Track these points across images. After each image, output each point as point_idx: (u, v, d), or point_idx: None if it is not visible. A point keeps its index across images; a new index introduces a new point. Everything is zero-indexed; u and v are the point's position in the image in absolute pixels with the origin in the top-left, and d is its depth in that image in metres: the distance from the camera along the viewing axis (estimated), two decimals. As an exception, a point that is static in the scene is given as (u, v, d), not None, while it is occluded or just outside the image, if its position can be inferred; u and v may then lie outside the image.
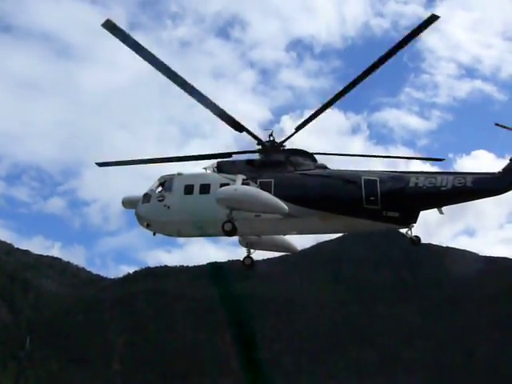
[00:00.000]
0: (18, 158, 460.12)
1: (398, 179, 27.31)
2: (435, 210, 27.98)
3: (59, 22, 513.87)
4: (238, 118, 27.90)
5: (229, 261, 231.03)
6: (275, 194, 26.68)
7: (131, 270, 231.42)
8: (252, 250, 30.89)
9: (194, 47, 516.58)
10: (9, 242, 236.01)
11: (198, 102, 27.04)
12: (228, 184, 27.35)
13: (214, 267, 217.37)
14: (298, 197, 27.08)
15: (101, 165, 31.69)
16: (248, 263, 30.84)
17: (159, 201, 28.45)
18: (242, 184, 27.37)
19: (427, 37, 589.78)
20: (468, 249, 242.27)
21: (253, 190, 26.86)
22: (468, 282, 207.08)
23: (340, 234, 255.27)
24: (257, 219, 26.99)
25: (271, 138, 29.16)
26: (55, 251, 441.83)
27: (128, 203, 30.12)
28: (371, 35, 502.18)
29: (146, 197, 29.03)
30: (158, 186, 29.20)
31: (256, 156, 29.79)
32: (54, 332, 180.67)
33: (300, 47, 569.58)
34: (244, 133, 28.46)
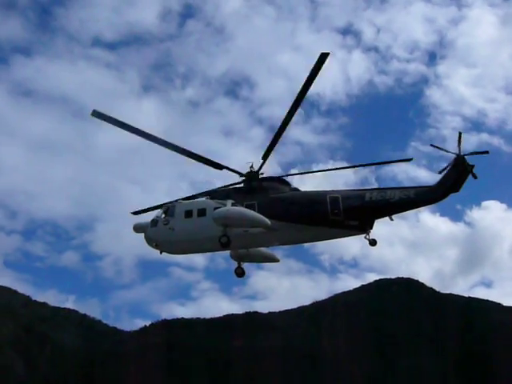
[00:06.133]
0: (34, 214, 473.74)
1: (356, 195, 33.23)
2: (387, 217, 33.39)
3: (76, 86, 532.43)
4: (215, 160, 34.33)
5: (245, 313, 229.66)
6: (259, 213, 32.29)
7: (147, 323, 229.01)
8: (242, 263, 36.24)
9: (202, 106, 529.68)
10: (26, 294, 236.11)
11: (178, 153, 33.52)
12: (220, 207, 32.85)
13: (230, 320, 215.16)
14: (278, 214, 32.74)
15: (136, 213, 37.89)
16: (239, 272, 36.21)
17: (165, 224, 33.93)
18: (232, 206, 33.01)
19: (430, 92, 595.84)
20: (490, 299, 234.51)
21: (241, 209, 32.68)
22: (493, 333, 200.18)
23: (357, 285, 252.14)
24: (245, 233, 32.68)
25: (251, 170, 34.78)
26: (69, 304, 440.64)
27: (138, 228, 35.36)
28: (375, 92, 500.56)
29: (154, 222, 34.63)
30: (163, 213, 34.63)
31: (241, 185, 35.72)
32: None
33: (307, 105, 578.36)
34: (224, 170, 34.54)
